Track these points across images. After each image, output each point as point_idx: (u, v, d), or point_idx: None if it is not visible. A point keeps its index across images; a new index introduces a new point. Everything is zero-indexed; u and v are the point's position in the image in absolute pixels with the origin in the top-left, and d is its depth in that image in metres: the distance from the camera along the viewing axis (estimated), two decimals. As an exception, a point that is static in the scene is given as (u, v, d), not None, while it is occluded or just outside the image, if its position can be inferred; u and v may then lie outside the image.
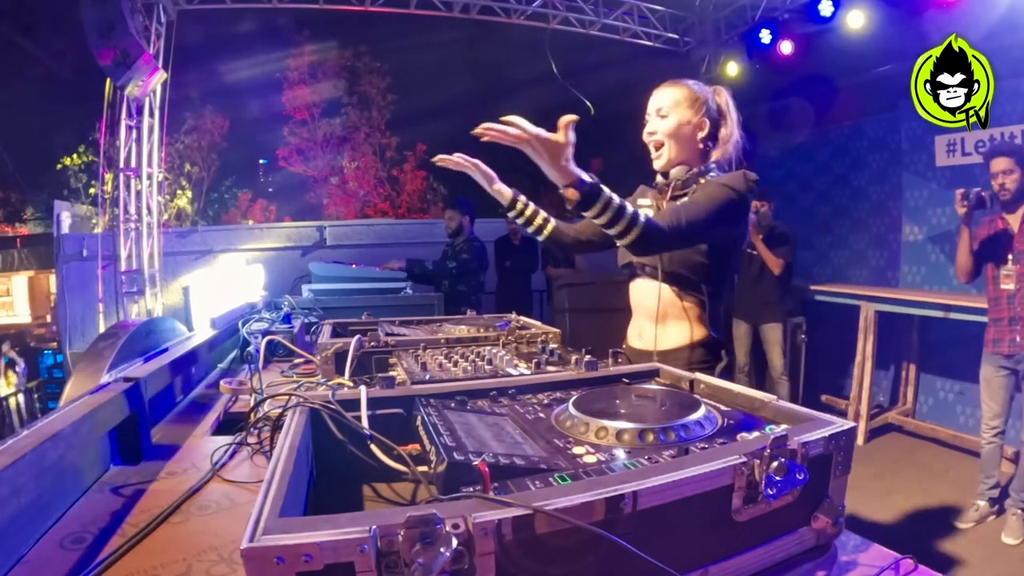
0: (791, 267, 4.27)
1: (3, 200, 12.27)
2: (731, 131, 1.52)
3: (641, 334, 1.54)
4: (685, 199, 1.43)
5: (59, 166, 11.21)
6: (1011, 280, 2.70)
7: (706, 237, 1.38)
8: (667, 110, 1.47)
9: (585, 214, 1.21)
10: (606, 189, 1.19)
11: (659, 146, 1.50)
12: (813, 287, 4.82)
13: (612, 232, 1.23)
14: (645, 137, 1.52)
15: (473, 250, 4.16)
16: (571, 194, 1.16)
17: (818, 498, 0.70)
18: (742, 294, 4.08)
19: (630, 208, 1.22)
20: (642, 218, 1.23)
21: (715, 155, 1.51)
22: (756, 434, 0.73)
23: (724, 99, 1.53)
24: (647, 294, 1.50)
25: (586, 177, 1.17)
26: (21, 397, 5.26)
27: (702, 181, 1.44)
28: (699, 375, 0.98)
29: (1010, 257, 2.71)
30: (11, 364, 5.36)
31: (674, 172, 1.49)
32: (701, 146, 1.50)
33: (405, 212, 13.83)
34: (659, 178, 1.55)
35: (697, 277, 1.43)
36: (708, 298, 1.45)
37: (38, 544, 0.76)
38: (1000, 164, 2.60)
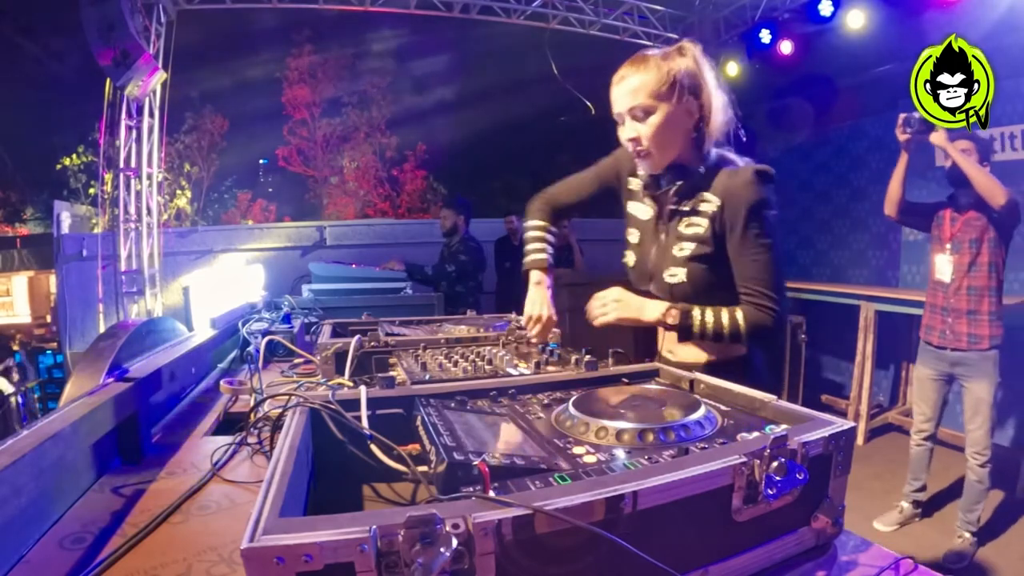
0: None
1: (3, 200, 12.28)
2: (712, 94, 1.24)
3: (672, 350, 1.42)
4: (745, 245, 1.22)
5: (59, 166, 11.22)
6: (947, 272, 2.66)
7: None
8: (643, 106, 1.21)
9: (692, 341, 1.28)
10: (696, 323, 1.23)
11: (645, 155, 1.25)
12: (813, 287, 4.82)
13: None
14: (625, 143, 1.28)
15: (470, 251, 4.16)
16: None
17: (818, 498, 0.70)
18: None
19: (727, 329, 1.21)
20: (741, 323, 1.21)
21: (710, 133, 1.26)
22: (756, 434, 0.73)
23: (692, 55, 1.24)
24: None
25: (670, 319, 1.24)
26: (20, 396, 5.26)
27: (706, 197, 1.24)
28: (699, 375, 0.97)
29: (948, 246, 2.66)
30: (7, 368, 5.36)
31: (668, 184, 1.29)
32: (695, 134, 1.25)
33: (405, 212, 13.84)
34: (646, 177, 1.33)
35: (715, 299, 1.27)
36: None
37: (38, 544, 0.76)
38: (960, 144, 2.52)
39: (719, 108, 1.25)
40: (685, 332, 1.24)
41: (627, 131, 1.25)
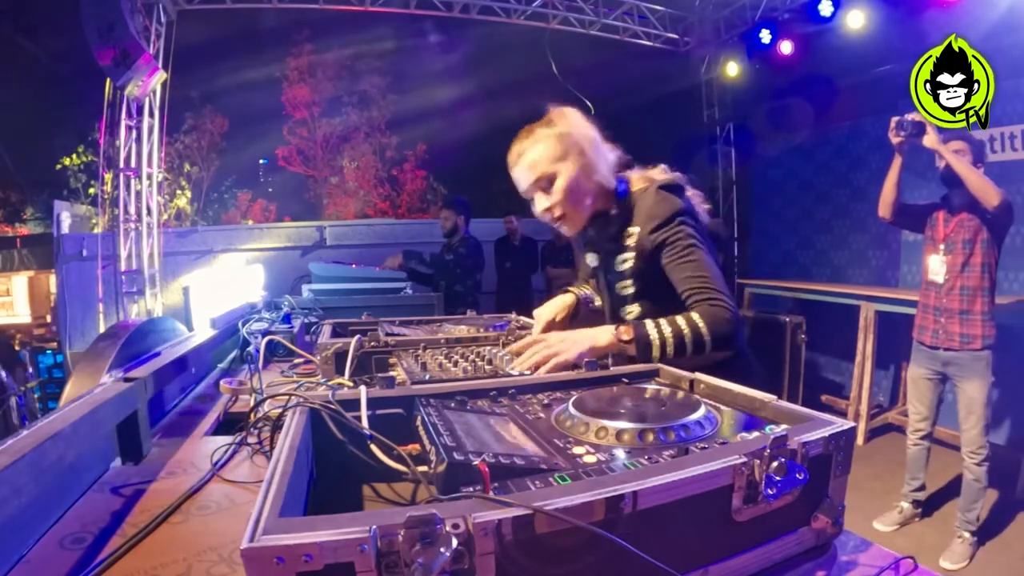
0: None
1: (3, 200, 12.28)
2: (590, 144, 1.30)
3: None
4: (673, 255, 1.25)
5: (59, 166, 11.22)
6: (940, 273, 2.66)
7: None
8: (546, 175, 1.27)
9: (653, 358, 1.16)
10: (651, 332, 1.16)
11: (562, 218, 1.31)
12: (813, 287, 4.83)
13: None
14: (540, 217, 1.33)
15: (469, 247, 4.18)
16: (630, 351, 1.17)
17: (818, 498, 0.70)
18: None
19: (686, 329, 1.15)
20: (703, 328, 1.15)
21: (604, 178, 1.31)
22: (756, 434, 0.73)
23: (563, 114, 1.31)
24: None
25: (624, 336, 1.17)
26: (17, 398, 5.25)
27: (630, 231, 1.30)
28: (699, 375, 0.97)
29: (942, 247, 2.66)
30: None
31: (595, 234, 1.37)
32: (601, 180, 1.31)
33: (405, 212, 13.83)
34: (575, 235, 1.43)
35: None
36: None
37: (38, 544, 0.76)
38: (954, 145, 2.52)
39: (603, 153, 1.31)
40: (643, 345, 1.16)
41: (540, 205, 1.31)
